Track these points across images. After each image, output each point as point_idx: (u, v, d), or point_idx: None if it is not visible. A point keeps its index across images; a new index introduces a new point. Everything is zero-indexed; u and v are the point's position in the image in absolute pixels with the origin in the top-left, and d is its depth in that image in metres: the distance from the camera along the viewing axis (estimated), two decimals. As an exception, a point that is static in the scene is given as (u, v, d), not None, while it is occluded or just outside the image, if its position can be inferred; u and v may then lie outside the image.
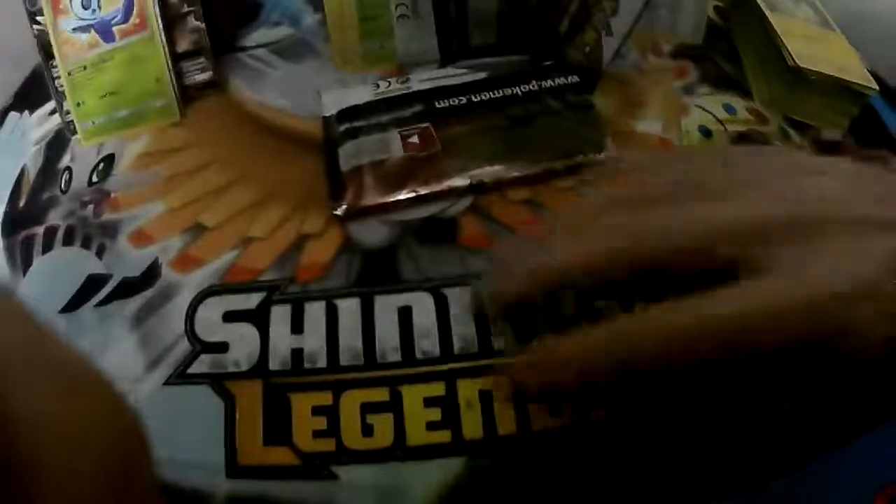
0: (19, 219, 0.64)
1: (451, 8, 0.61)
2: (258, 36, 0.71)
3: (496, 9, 0.61)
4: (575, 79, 0.59)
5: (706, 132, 0.60)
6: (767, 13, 0.67)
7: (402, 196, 0.52)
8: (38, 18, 0.66)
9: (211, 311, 0.51)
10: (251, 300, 0.51)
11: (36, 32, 0.67)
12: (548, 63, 0.61)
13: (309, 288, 0.50)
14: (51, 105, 0.72)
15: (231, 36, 0.72)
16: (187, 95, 0.67)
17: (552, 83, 0.58)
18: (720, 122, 0.62)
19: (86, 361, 0.24)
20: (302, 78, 0.66)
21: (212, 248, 0.54)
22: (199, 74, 0.67)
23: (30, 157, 0.70)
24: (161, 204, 0.58)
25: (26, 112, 0.77)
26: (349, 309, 0.49)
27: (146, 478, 0.25)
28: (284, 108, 0.63)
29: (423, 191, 0.52)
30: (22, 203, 0.65)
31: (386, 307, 0.49)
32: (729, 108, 0.63)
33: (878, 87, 0.63)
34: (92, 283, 0.55)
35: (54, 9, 0.65)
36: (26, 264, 0.60)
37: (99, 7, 0.65)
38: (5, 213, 0.65)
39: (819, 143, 0.64)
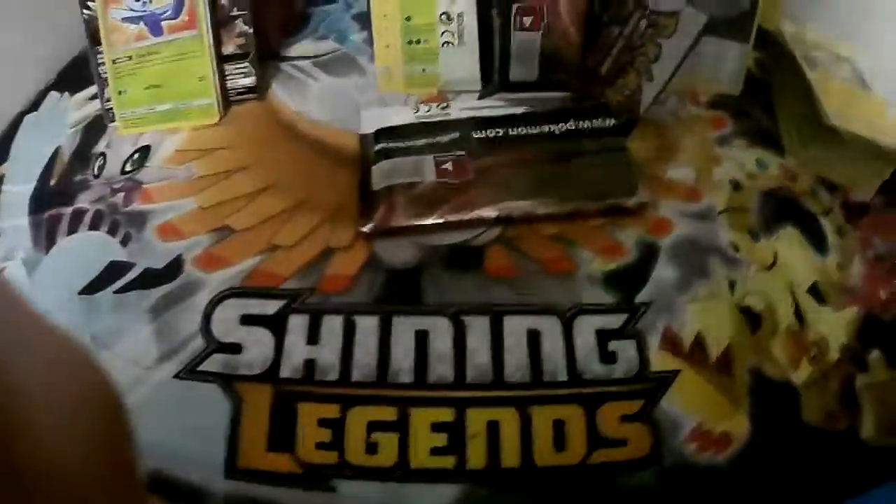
0: (48, 197, 0.65)
1: (495, 41, 0.63)
2: (304, 47, 0.73)
3: (539, 46, 0.62)
4: (612, 121, 0.60)
5: (736, 185, 0.61)
6: (806, 69, 0.67)
7: (432, 220, 0.53)
8: (89, 3, 0.67)
9: (229, 313, 0.51)
10: (270, 306, 0.51)
11: (85, 17, 0.68)
12: (587, 104, 0.62)
13: (329, 300, 0.51)
14: (92, 89, 0.73)
15: (277, 45, 0.73)
16: (228, 98, 0.68)
17: (590, 124, 0.59)
18: (751, 176, 0.62)
19: (67, 336, 0.25)
20: (343, 93, 0.67)
21: (237, 251, 0.54)
22: (242, 78, 0.68)
23: (66, 138, 0.71)
24: (192, 201, 0.59)
25: (67, 93, 0.78)
26: (367, 326, 0.49)
27: (130, 447, 0.25)
28: (323, 121, 0.64)
29: (452, 218, 0.53)
30: (53, 182, 0.66)
31: (404, 328, 0.49)
32: (761, 164, 0.64)
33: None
34: (114, 270, 0.56)
35: None
36: (50, 242, 0.61)
37: (150, 0, 0.66)
38: (35, 190, 0.66)
39: (848, 206, 0.64)
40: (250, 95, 0.68)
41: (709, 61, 0.67)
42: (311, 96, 0.67)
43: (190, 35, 0.66)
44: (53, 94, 0.78)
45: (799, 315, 0.54)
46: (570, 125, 0.59)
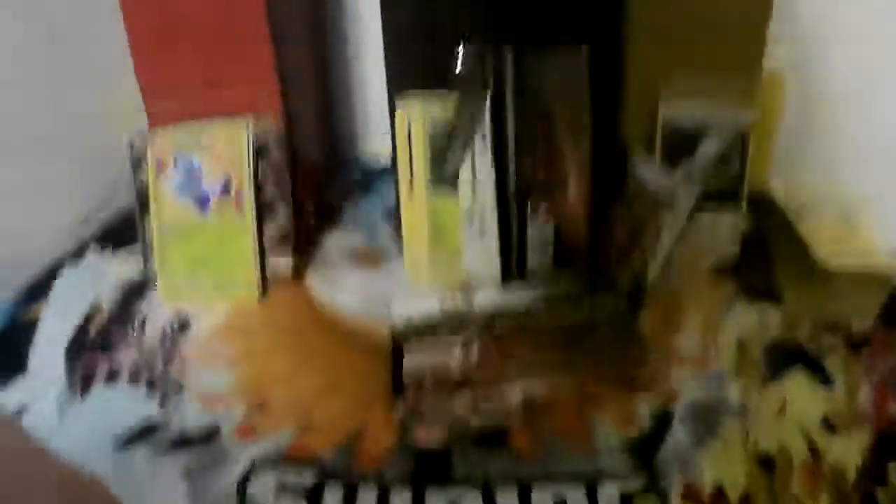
0: (86, 344, 0.69)
1: (513, 234, 0.69)
2: (336, 239, 0.81)
3: (553, 236, 0.69)
4: (622, 300, 0.65)
5: (741, 344, 0.65)
6: (796, 219, 0.75)
7: (460, 403, 0.58)
8: (142, 170, 0.74)
9: (265, 482, 0.54)
10: (306, 478, 0.54)
11: (137, 184, 0.75)
12: (598, 285, 0.68)
13: (364, 475, 0.53)
14: (136, 252, 0.79)
15: (312, 235, 0.81)
16: (267, 280, 0.73)
17: (602, 304, 0.65)
18: (755, 333, 0.67)
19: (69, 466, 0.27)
20: (373, 283, 0.73)
21: (274, 425, 0.58)
22: (281, 263, 0.74)
23: (106, 293, 0.76)
24: (230, 374, 0.63)
25: (110, 249, 0.84)
26: (401, 500, 0.52)
27: None
28: (355, 309, 0.70)
29: (479, 399, 0.58)
30: (92, 332, 0.71)
31: (437, 501, 0.51)
32: (763, 319, 0.69)
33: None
34: (150, 427, 0.59)
35: (158, 167, 0.73)
36: (85, 387, 0.65)
37: (201, 178, 0.72)
38: (73, 335, 0.71)
39: (850, 339, 0.68)
40: (288, 279, 0.74)
41: (706, 232, 0.73)
42: (345, 285, 0.74)
43: (236, 216, 0.72)
44: (95, 247, 0.85)
45: (813, 449, 0.57)
46: (584, 307, 0.65)
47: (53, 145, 0.85)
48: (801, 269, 0.72)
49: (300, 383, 0.61)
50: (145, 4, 0.72)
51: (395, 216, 0.75)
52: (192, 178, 0.73)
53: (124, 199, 0.87)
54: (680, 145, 0.73)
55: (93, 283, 0.79)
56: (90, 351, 0.69)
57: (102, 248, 0.85)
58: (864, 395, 0.62)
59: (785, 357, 0.64)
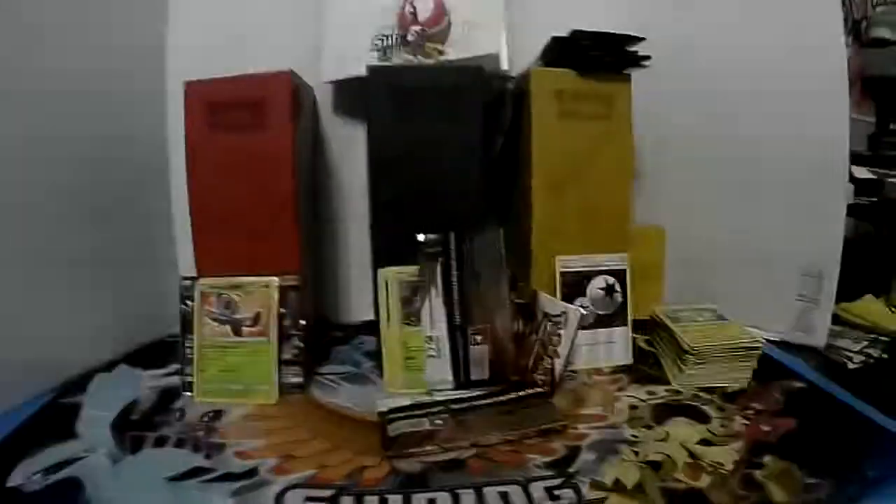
0: (131, 424, 0.87)
1: (460, 353, 0.97)
2: (330, 368, 1.09)
3: (487, 355, 0.97)
4: (539, 390, 0.93)
5: (633, 407, 0.91)
6: (671, 325, 1.03)
7: (430, 448, 0.82)
8: (188, 301, 0.97)
9: (296, 497, 0.73)
10: (326, 493, 0.74)
11: (182, 310, 0.97)
12: (521, 382, 0.96)
13: (368, 489, 0.74)
14: (165, 370, 1.02)
15: (312, 364, 1.06)
16: (283, 389, 0.97)
17: (525, 392, 0.93)
18: (644, 400, 0.93)
19: None
20: (361, 394, 0.99)
21: (300, 466, 0.79)
22: (293, 377, 0.99)
23: (143, 395, 0.95)
24: (261, 440, 0.84)
25: (139, 369, 1.05)
26: (395, 501, 0.73)
27: None
28: (349, 406, 0.95)
29: (444, 446, 0.82)
30: (134, 416, 0.90)
31: (420, 501, 0.73)
32: (652, 393, 0.95)
33: (763, 341, 0.97)
34: (198, 470, 0.78)
35: (204, 299, 0.97)
36: (135, 449, 0.82)
37: (237, 310, 0.97)
38: (116, 417, 0.89)
39: (726, 394, 0.93)
40: (297, 390, 0.98)
41: (603, 345, 1.05)
42: (339, 394, 0.99)
43: (262, 340, 0.97)
44: (123, 366, 1.06)
45: (693, 455, 0.78)
46: (512, 395, 0.93)
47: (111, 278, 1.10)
48: (677, 357, 0.99)
49: (316, 445, 0.84)
50: (210, 199, 1.01)
51: (375, 352, 1.02)
52: (230, 310, 0.97)
53: (159, 330, 1.12)
54: (573, 286, 1.06)
55: (130, 387, 0.98)
56: (135, 428, 0.86)
57: (132, 367, 1.06)
58: (738, 424, 0.84)
59: (668, 410, 0.90)
